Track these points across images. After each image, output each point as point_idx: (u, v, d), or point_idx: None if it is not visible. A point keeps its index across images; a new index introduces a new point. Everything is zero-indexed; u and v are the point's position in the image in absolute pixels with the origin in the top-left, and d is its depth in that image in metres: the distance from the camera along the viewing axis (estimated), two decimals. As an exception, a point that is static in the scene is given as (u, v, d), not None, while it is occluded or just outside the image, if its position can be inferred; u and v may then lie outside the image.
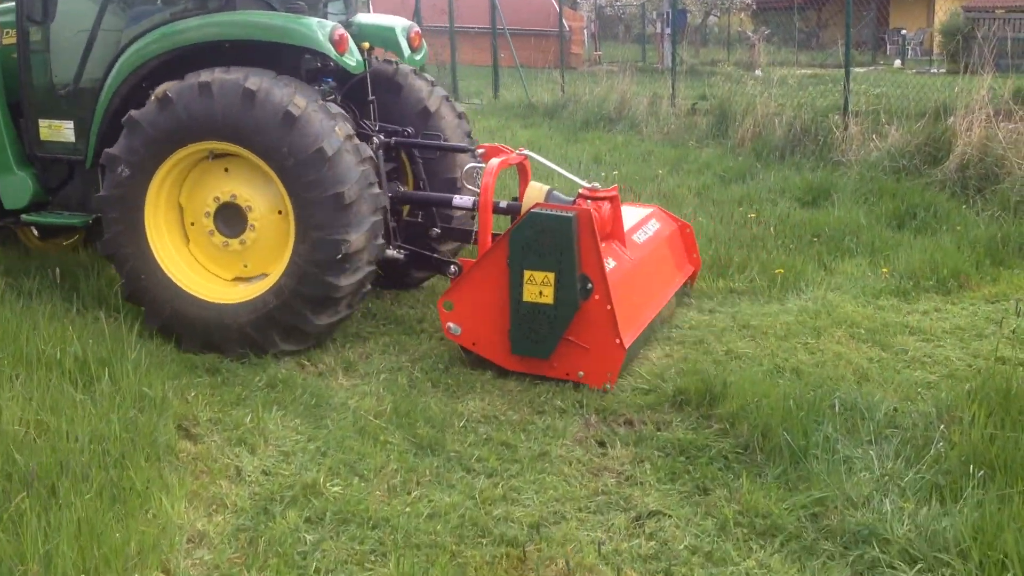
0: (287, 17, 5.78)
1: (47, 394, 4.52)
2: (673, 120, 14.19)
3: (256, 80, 5.38)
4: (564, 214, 5.16)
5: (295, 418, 4.84)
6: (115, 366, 4.92)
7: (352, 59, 5.82)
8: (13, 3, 6.26)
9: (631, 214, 6.54)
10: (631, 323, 5.48)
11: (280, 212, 5.56)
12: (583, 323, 5.18)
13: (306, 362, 5.62)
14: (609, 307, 5.13)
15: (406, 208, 6.62)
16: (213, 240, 5.73)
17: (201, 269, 5.77)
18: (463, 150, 6.54)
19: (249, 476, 4.27)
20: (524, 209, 5.56)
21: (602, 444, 4.67)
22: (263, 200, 5.59)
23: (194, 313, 5.61)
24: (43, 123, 6.26)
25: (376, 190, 5.56)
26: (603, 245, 5.55)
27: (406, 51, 6.53)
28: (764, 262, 7.40)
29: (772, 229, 8.32)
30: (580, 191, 5.76)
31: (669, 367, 5.50)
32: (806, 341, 5.96)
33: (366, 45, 6.31)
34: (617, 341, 5.15)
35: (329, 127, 5.37)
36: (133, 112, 5.59)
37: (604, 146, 13.08)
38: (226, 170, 5.66)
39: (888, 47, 31.64)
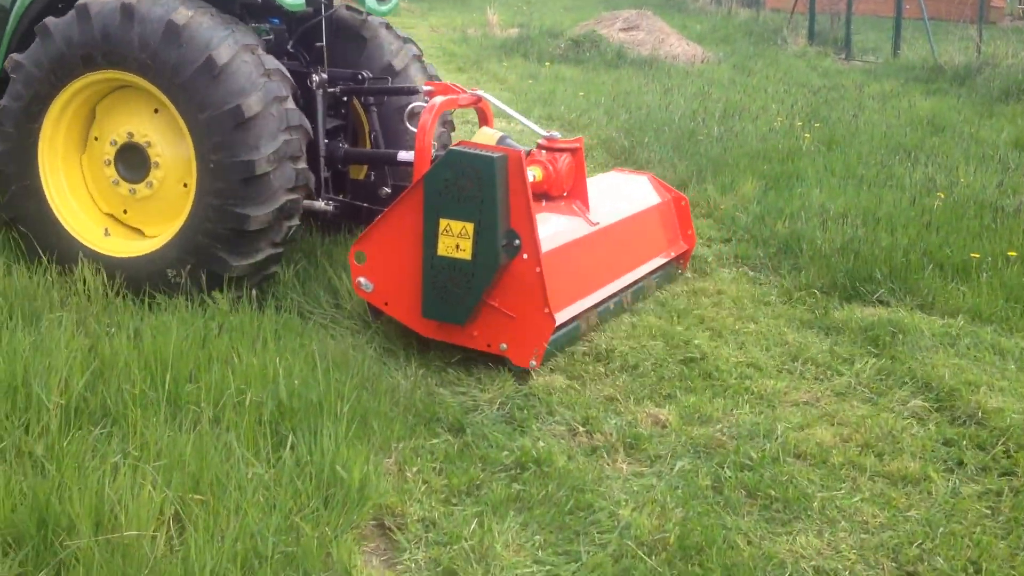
0: None
1: (215, 463, 3.37)
2: None
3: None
4: (487, 154, 4.41)
5: (536, 533, 3.38)
6: (318, 422, 3.71)
7: None
8: None
9: (615, 178, 6.12)
10: (572, 294, 4.86)
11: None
12: (509, 287, 4.49)
13: (580, 426, 4.15)
14: (538, 270, 4.41)
15: (363, 170, 5.98)
16: (119, 189, 5.14)
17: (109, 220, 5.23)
18: (410, 92, 5.72)
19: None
20: None
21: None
22: (168, 142, 5.00)
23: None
24: None
25: (287, 106, 4.87)
26: (560, 203, 5.15)
27: (370, 0, 5.86)
28: None
29: None
30: (538, 141, 5.20)
31: None
32: None
33: None
34: (546, 311, 4.43)
35: (217, 33, 4.73)
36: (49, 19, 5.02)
37: (1032, 125, 10.39)
38: (155, 111, 5.06)
39: None
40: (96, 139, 5.21)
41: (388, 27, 6.16)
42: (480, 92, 5.50)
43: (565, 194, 5.21)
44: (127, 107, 5.09)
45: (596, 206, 5.29)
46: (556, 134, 5.20)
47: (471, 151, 4.45)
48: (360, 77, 5.80)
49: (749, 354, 4.98)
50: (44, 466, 3.26)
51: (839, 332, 5.28)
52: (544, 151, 5.12)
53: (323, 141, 5.46)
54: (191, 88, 4.71)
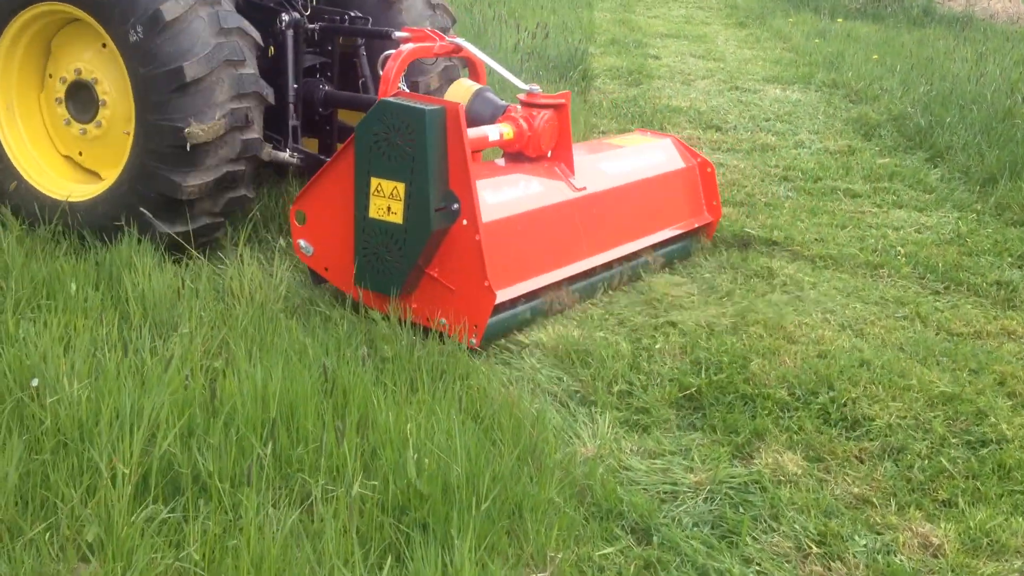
0: None
1: None
2: None
3: None
4: (419, 105, 4.01)
5: None
6: (450, 516, 2.81)
7: None
8: None
9: (633, 140, 5.54)
10: (533, 266, 4.39)
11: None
12: (448, 256, 4.09)
13: (813, 545, 3.02)
14: (477, 238, 3.99)
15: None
16: (67, 127, 4.87)
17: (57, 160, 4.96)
18: (385, 36, 5.14)
19: None
20: None
21: None
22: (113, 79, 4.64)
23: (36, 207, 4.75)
24: None
25: (242, 71, 4.43)
26: (541, 166, 4.67)
27: None
28: None
29: None
30: (518, 96, 4.74)
31: None
32: None
33: None
34: (486, 284, 3.98)
35: None
36: None
37: None
38: (104, 46, 4.66)
39: None
40: (51, 76, 4.94)
41: None
42: (460, 40, 5.06)
43: (549, 155, 4.73)
44: (80, 41, 4.80)
45: (600, 169, 4.92)
46: (537, 88, 4.71)
47: (403, 102, 4.04)
48: (347, 15, 5.40)
49: (1070, 441, 3.64)
50: (88, 560, 2.56)
51: None
52: (520, 107, 4.67)
53: (292, 86, 5.02)
54: (136, 39, 4.36)
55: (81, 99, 4.78)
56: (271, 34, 5.02)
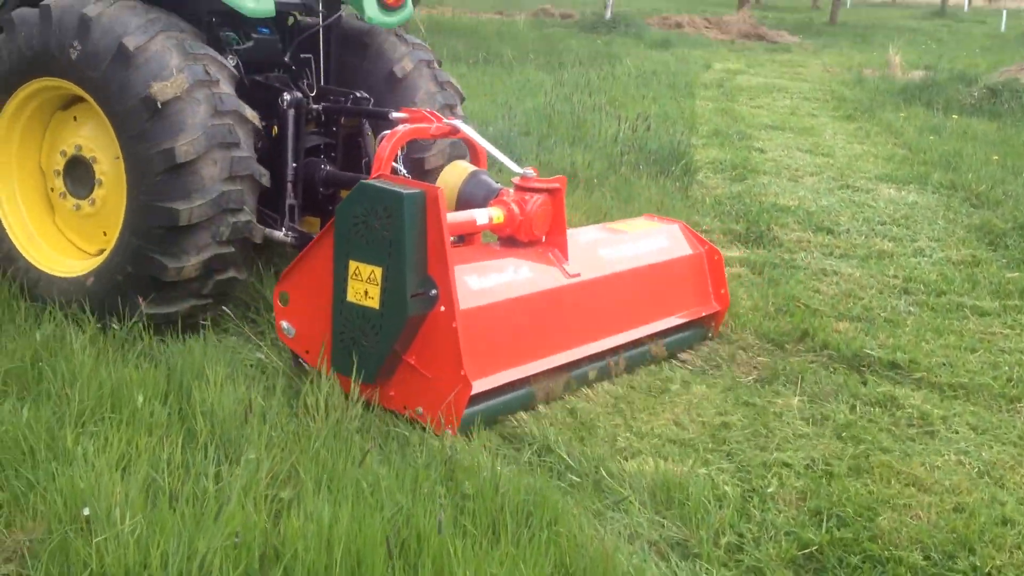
0: None
1: None
2: None
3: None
4: (398, 189, 3.90)
5: None
6: None
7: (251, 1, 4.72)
8: None
9: (639, 225, 5.35)
10: (511, 355, 4.18)
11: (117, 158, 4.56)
12: (426, 343, 3.94)
13: None
14: (454, 325, 3.84)
15: None
16: (66, 203, 4.92)
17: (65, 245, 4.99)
18: (383, 116, 5.10)
19: None
20: None
21: None
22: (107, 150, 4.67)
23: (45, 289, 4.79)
24: None
25: (238, 153, 4.42)
26: (534, 251, 4.53)
27: (370, 7, 5.29)
28: None
29: None
30: (513, 180, 4.58)
31: None
32: None
33: None
34: (462, 373, 3.81)
35: (132, 21, 4.41)
36: None
37: None
38: (75, 119, 4.88)
39: None
40: (52, 190, 5.00)
41: (398, 33, 5.68)
42: (457, 122, 5.00)
43: (543, 239, 4.63)
44: (55, 136, 4.92)
45: (598, 255, 4.81)
46: (531, 172, 4.59)
47: (383, 185, 3.98)
48: (352, 96, 5.34)
49: None
50: None
51: None
52: (512, 191, 4.57)
53: (291, 165, 5.03)
54: (76, 55, 4.42)
55: (78, 177, 4.81)
56: (274, 114, 5.07)
